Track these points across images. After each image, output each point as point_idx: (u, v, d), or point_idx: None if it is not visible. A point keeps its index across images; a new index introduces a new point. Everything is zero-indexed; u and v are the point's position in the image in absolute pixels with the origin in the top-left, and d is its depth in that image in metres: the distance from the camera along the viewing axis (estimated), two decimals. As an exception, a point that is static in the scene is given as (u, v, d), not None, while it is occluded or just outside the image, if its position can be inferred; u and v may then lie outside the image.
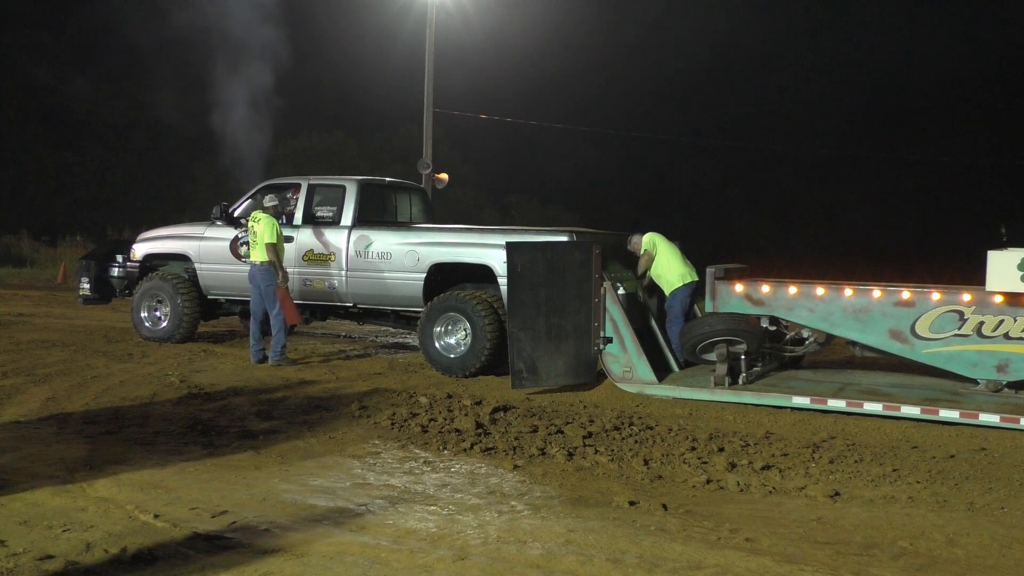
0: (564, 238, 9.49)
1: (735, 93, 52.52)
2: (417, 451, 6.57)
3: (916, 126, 50.25)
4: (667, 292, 9.83)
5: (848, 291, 8.60)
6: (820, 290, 8.68)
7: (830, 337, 8.97)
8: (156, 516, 4.85)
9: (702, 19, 59.70)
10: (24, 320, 13.97)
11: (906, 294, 8.36)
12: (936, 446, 7.03)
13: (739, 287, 8.96)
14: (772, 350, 9.31)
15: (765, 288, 8.88)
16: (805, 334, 9.03)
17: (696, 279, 9.85)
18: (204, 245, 11.53)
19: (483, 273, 9.94)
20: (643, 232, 10.11)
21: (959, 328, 8.15)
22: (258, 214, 10.22)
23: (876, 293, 8.48)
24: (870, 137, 50.34)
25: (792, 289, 8.78)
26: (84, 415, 7.42)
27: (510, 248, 8.87)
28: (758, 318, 9.19)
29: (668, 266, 9.85)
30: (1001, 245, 8.13)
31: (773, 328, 9.13)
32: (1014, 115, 47.81)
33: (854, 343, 8.85)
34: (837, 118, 53.16)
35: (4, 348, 10.75)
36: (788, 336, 9.19)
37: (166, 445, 6.52)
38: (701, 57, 54.72)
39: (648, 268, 9.94)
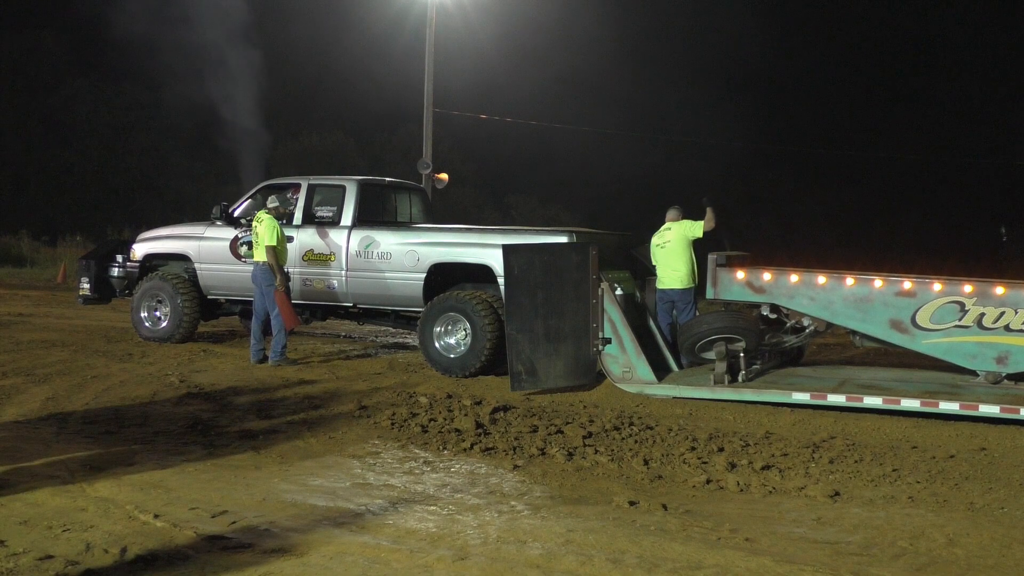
0: (563, 238, 9.49)
1: (735, 91, 52.50)
2: (417, 451, 6.57)
3: (916, 125, 50.27)
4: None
5: (849, 280, 8.60)
6: (821, 279, 8.68)
7: (829, 325, 8.97)
8: (156, 516, 4.85)
9: (701, 19, 59.73)
10: (24, 320, 13.97)
11: (907, 284, 8.37)
12: (936, 446, 7.03)
13: (740, 274, 8.96)
14: (772, 346, 9.30)
15: (767, 276, 8.87)
16: (805, 323, 9.02)
17: (670, 287, 9.85)
18: (204, 245, 11.52)
19: (483, 273, 9.93)
20: (677, 212, 10.02)
21: (960, 319, 8.16)
22: (261, 215, 10.22)
23: (877, 283, 8.49)
24: (870, 136, 50.36)
25: (793, 277, 8.78)
26: (84, 415, 7.42)
27: (507, 251, 8.87)
28: (756, 316, 9.21)
29: (658, 267, 10.00)
30: (1001, 245, 8.18)
31: (774, 316, 9.13)
32: (1014, 115, 47.80)
33: (854, 333, 8.85)
34: (836, 116, 53.18)
35: (4, 348, 10.74)
36: (788, 324, 9.18)
37: (166, 445, 6.52)
38: (701, 57, 54.76)
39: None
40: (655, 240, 9.97)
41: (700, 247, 9.86)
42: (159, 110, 41.81)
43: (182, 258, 11.78)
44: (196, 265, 11.61)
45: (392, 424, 7.27)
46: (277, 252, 10.09)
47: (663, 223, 10.09)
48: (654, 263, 10.04)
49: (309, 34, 40.15)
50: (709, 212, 9.70)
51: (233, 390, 8.63)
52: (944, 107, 51.86)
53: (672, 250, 9.82)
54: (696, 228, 9.78)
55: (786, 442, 7.02)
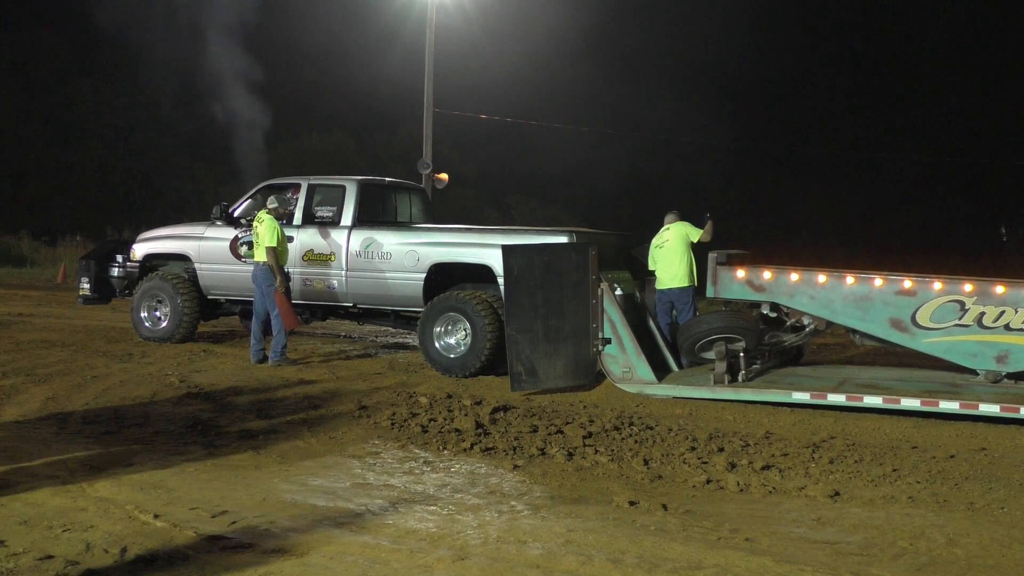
0: (563, 238, 9.50)
1: (735, 91, 52.51)
2: (417, 451, 6.57)
3: (916, 124, 50.29)
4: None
5: (850, 279, 8.61)
6: (822, 277, 8.69)
7: (829, 324, 8.97)
8: (156, 516, 4.85)
9: (701, 18, 59.72)
10: (24, 320, 13.97)
11: (908, 283, 8.38)
12: (936, 446, 7.02)
13: (741, 273, 8.97)
14: (771, 345, 9.30)
15: (767, 274, 8.88)
16: (805, 321, 9.03)
17: (669, 287, 9.94)
18: (204, 245, 11.52)
19: (483, 273, 9.93)
20: (675, 215, 10.20)
21: (960, 318, 8.17)
22: (262, 215, 10.22)
23: (878, 281, 8.49)
24: (870, 136, 50.36)
25: (794, 276, 8.78)
26: (84, 415, 7.42)
27: (506, 251, 8.87)
28: (756, 315, 9.21)
29: (656, 268, 10.09)
30: (1001, 245, 8.20)
31: (774, 315, 9.14)
32: (1014, 115, 47.81)
33: (854, 332, 8.85)
34: (836, 116, 53.18)
35: (4, 348, 10.74)
36: (788, 323, 9.18)
37: (166, 445, 6.52)
38: (701, 56, 54.75)
39: (653, 265, 10.19)
40: (654, 242, 10.09)
41: (698, 249, 9.98)
42: (159, 110, 41.81)
43: (182, 258, 11.78)
44: (196, 265, 11.61)
45: (392, 424, 7.27)
46: (277, 253, 10.09)
47: (662, 226, 10.22)
48: (651, 266, 10.11)
49: (309, 34, 40.14)
50: (709, 225, 9.87)
51: (233, 390, 8.63)
52: (944, 107, 51.89)
53: (671, 250, 9.91)
54: (695, 232, 9.96)
55: (786, 442, 7.02)
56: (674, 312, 10.08)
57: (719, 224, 9.92)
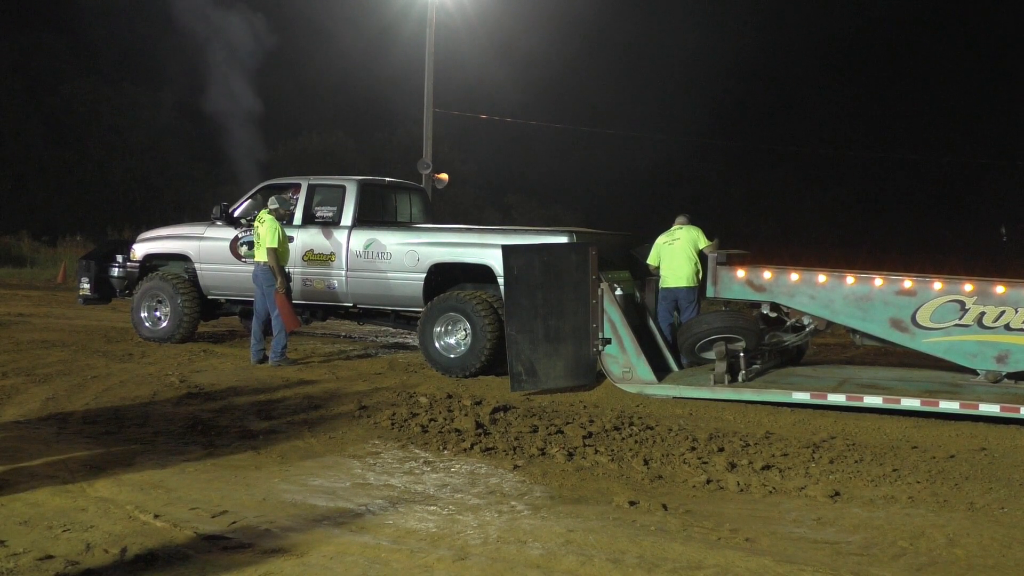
0: (563, 238, 9.50)
1: (735, 92, 52.49)
2: (417, 451, 6.57)
3: (916, 125, 50.30)
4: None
5: (850, 279, 8.61)
6: (822, 277, 8.70)
7: (830, 324, 8.98)
8: (156, 516, 4.85)
9: (701, 17, 59.74)
10: (24, 320, 13.97)
11: (908, 283, 8.38)
12: (936, 446, 7.03)
13: (741, 273, 8.97)
14: (772, 345, 9.30)
15: (767, 274, 8.88)
16: (805, 321, 9.03)
17: (675, 286, 10.01)
18: (204, 245, 11.52)
19: (483, 273, 9.93)
20: (685, 218, 10.30)
21: (960, 318, 8.17)
22: (263, 215, 10.22)
23: (878, 281, 8.50)
24: (870, 136, 50.37)
25: (794, 276, 8.79)
26: (84, 415, 7.42)
27: (506, 251, 8.88)
28: (756, 315, 9.22)
29: (662, 266, 10.16)
30: (1001, 245, 8.19)
31: (774, 315, 9.14)
32: (1014, 115, 47.83)
33: (854, 331, 8.86)
34: (837, 117, 53.17)
35: (4, 348, 10.74)
36: (788, 323, 9.19)
37: (166, 445, 6.52)
38: (701, 56, 54.71)
39: (655, 261, 10.24)
40: (663, 239, 10.15)
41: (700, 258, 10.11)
42: (159, 110, 41.83)
43: (182, 258, 11.78)
44: (196, 265, 11.61)
45: (392, 424, 7.27)
46: (278, 253, 10.09)
47: (664, 224, 10.34)
48: (655, 262, 10.13)
49: (309, 34, 40.16)
50: (716, 243, 9.97)
51: (233, 390, 8.63)
52: (944, 107, 51.91)
53: (681, 250, 10.04)
54: (703, 240, 10.09)
55: (786, 442, 7.02)
56: (675, 312, 10.12)
57: (723, 243, 10.05)
